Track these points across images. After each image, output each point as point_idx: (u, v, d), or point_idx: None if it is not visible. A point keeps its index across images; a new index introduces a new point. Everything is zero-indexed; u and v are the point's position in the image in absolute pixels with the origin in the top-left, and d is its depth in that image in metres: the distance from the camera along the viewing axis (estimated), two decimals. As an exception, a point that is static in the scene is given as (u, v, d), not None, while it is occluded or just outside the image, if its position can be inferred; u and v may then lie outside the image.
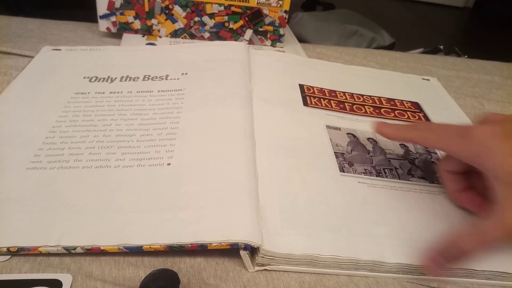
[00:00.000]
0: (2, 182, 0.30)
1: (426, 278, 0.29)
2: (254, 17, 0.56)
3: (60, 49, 0.49)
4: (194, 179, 0.31)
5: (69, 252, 0.27)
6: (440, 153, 0.40)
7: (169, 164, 0.33)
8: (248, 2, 0.54)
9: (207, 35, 0.57)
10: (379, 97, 0.47)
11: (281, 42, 0.58)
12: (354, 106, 0.44)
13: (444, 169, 0.32)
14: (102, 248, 0.27)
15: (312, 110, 0.42)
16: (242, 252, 0.27)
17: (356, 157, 0.37)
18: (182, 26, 0.56)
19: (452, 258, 0.27)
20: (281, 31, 0.57)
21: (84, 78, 0.43)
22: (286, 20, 0.57)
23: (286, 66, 0.49)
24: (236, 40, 0.57)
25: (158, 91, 0.42)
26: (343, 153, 0.37)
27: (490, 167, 0.26)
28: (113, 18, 0.55)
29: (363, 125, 0.41)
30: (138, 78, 0.44)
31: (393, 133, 0.33)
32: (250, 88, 0.43)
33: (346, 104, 0.44)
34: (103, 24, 0.55)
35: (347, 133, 0.40)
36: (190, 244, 0.27)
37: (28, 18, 0.59)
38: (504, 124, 0.27)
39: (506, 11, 2.82)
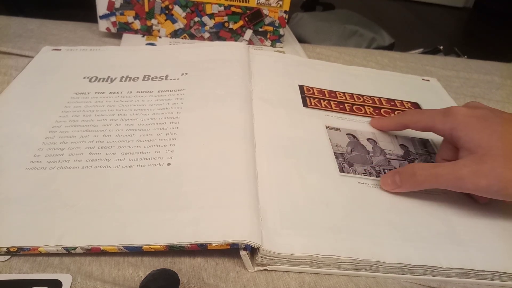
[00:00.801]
0: (2, 182, 0.30)
1: (426, 278, 0.29)
2: (254, 17, 0.56)
3: (60, 49, 0.49)
4: (194, 179, 0.31)
5: (69, 252, 0.27)
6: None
7: (169, 164, 0.33)
8: (248, 3, 0.54)
9: (207, 35, 0.57)
10: (379, 98, 0.47)
11: (281, 42, 0.58)
12: (354, 107, 0.44)
13: (442, 158, 0.36)
14: (102, 248, 0.27)
15: (312, 111, 0.42)
16: (242, 252, 0.27)
17: (356, 157, 0.37)
18: (182, 26, 0.56)
19: (405, 178, 0.33)
20: (281, 31, 0.57)
21: (84, 78, 0.43)
22: (286, 20, 0.57)
23: (286, 66, 0.49)
24: (236, 41, 0.57)
25: (158, 91, 0.42)
26: (343, 154, 0.37)
27: (461, 137, 0.32)
28: (113, 18, 0.55)
29: (363, 126, 0.41)
30: (138, 78, 0.44)
31: (389, 123, 0.41)
32: (250, 88, 0.43)
33: (346, 104, 0.44)
34: (103, 24, 0.55)
35: (347, 134, 0.40)
36: (190, 244, 0.27)
37: (28, 18, 0.59)
38: (479, 109, 0.33)
39: (506, 11, 2.82)
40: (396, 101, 0.47)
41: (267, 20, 0.56)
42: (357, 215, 0.31)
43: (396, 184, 0.33)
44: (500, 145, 0.30)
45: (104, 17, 0.54)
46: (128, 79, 0.44)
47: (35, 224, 0.27)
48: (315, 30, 1.41)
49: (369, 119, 0.43)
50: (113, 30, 0.56)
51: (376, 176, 0.35)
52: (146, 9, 0.54)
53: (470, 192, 0.31)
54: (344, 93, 0.47)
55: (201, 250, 0.28)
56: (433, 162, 0.38)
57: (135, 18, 0.55)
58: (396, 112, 0.45)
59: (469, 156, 0.31)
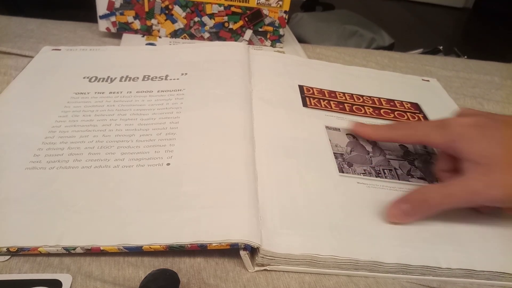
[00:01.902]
0: (2, 182, 0.30)
1: (425, 278, 0.29)
2: (254, 18, 0.56)
3: (60, 49, 0.49)
4: (193, 179, 0.31)
5: (69, 252, 0.27)
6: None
7: (168, 164, 0.33)
8: (248, 3, 0.54)
9: (207, 35, 0.57)
10: (379, 98, 0.47)
11: (280, 43, 0.58)
12: (354, 107, 0.44)
13: (440, 169, 0.35)
14: (102, 248, 0.27)
15: (311, 111, 0.42)
16: (242, 252, 0.27)
17: (355, 157, 0.37)
18: (182, 26, 0.56)
19: (415, 205, 0.31)
20: (281, 31, 0.57)
21: (84, 78, 0.43)
22: (286, 21, 0.57)
23: (286, 66, 0.49)
24: (236, 41, 0.57)
25: (158, 91, 0.42)
26: (342, 154, 0.37)
27: (462, 150, 0.31)
28: (113, 18, 0.55)
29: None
30: (137, 78, 0.44)
31: (372, 133, 0.38)
32: (249, 88, 0.43)
33: (345, 104, 0.44)
34: (103, 24, 0.55)
35: (347, 134, 0.40)
36: (190, 244, 0.27)
37: (28, 18, 0.59)
38: (475, 116, 0.32)
39: (505, 12, 2.82)
40: (396, 101, 0.47)
41: (267, 20, 0.56)
42: (357, 215, 0.31)
43: (407, 213, 0.31)
44: (502, 152, 0.29)
45: (104, 17, 0.54)
46: (128, 79, 0.44)
47: (35, 224, 0.27)
48: (315, 30, 1.41)
49: (369, 119, 0.43)
50: (113, 30, 0.56)
51: (376, 176, 0.35)
52: (146, 9, 0.54)
53: (487, 204, 0.30)
54: (344, 93, 0.47)
55: (201, 250, 0.28)
56: (433, 162, 0.38)
57: (135, 18, 0.55)
58: (396, 112, 0.45)
59: (476, 169, 0.30)
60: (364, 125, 0.39)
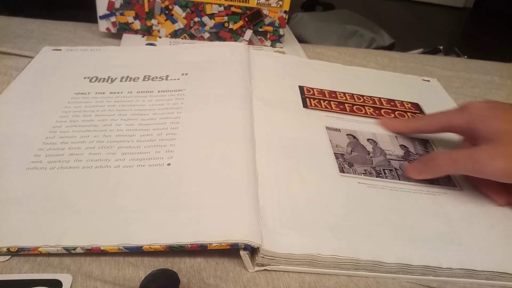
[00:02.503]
0: (2, 182, 0.30)
1: (426, 278, 0.29)
2: (254, 18, 0.56)
3: (60, 49, 0.49)
4: (194, 179, 0.31)
5: (69, 252, 0.27)
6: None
7: (169, 164, 0.33)
8: (248, 3, 0.54)
9: (207, 35, 0.57)
10: (379, 98, 0.47)
11: (281, 43, 0.58)
12: (354, 107, 0.44)
13: None
14: (102, 248, 0.27)
15: (312, 112, 0.42)
16: (242, 252, 0.27)
17: (356, 158, 0.37)
18: (182, 26, 0.56)
19: (426, 163, 0.35)
20: (281, 31, 0.57)
21: (84, 78, 0.44)
22: (286, 21, 0.57)
23: (286, 67, 0.49)
24: (236, 41, 0.57)
25: (158, 91, 0.42)
26: (343, 154, 0.37)
27: (480, 128, 0.34)
28: (113, 19, 0.55)
29: (363, 126, 0.41)
30: (138, 78, 0.44)
31: (399, 125, 0.41)
32: (250, 88, 0.43)
33: (346, 105, 0.44)
34: (103, 25, 0.55)
35: (347, 134, 0.40)
36: (190, 244, 0.27)
37: (28, 19, 0.59)
38: (491, 102, 0.35)
39: (506, 12, 2.82)
40: (396, 101, 0.47)
41: (267, 20, 0.56)
42: (357, 215, 0.31)
43: (420, 170, 0.35)
44: (510, 127, 0.31)
45: (104, 17, 0.54)
46: (129, 79, 0.44)
47: (35, 224, 0.27)
48: (315, 30, 1.41)
49: (370, 119, 0.43)
50: (113, 30, 0.56)
51: (376, 177, 0.35)
52: (146, 9, 0.54)
53: (489, 177, 0.31)
54: (344, 93, 0.47)
55: (201, 250, 0.28)
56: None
57: (135, 18, 0.55)
58: (396, 112, 0.45)
59: (487, 143, 0.32)
60: (391, 119, 0.43)
